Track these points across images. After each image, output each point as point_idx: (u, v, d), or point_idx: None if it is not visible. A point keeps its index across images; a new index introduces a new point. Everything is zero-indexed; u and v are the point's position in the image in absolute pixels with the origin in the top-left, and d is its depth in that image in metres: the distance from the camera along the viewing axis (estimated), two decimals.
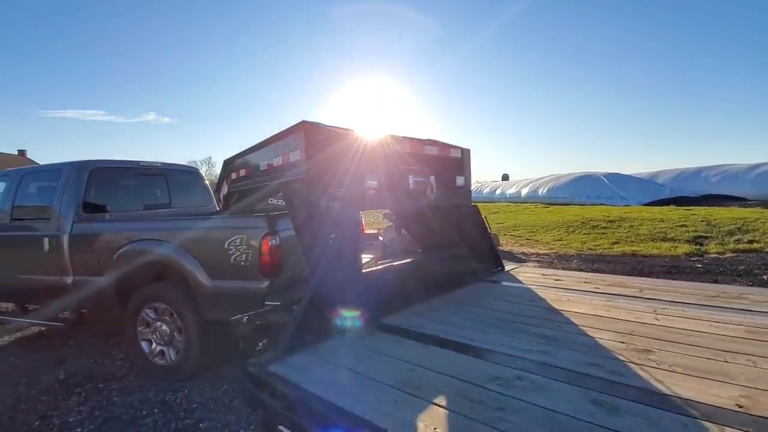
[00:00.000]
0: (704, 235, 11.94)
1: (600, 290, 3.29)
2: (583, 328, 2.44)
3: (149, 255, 4.45)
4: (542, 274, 3.88)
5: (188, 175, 7.08)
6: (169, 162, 6.70)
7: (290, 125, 3.00)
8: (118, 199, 5.81)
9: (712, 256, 9.97)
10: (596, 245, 12.33)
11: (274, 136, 3.38)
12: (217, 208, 6.61)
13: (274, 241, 4.02)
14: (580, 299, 3.06)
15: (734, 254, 9.85)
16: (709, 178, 25.59)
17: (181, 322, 4.41)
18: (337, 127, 2.74)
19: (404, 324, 2.61)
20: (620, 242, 12.50)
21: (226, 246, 4.09)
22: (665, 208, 18.61)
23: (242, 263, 4.02)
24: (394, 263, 3.28)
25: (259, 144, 3.78)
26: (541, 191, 28.62)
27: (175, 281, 4.50)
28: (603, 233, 13.98)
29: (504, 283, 3.62)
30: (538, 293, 3.25)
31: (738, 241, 10.91)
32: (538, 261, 10.21)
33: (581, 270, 8.85)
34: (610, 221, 15.55)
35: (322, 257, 2.58)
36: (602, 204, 21.45)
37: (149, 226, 4.70)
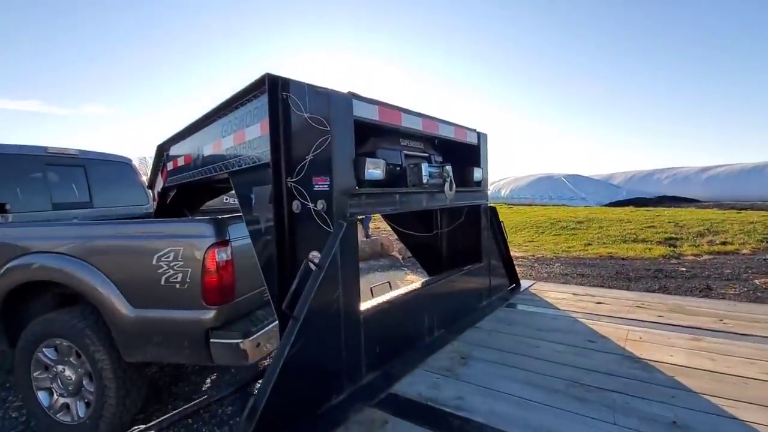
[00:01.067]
0: (675, 236, 11.90)
1: (665, 320, 2.48)
2: (707, 397, 1.58)
3: (42, 272, 3.21)
4: (573, 294, 3.05)
5: (116, 166, 5.74)
6: (90, 150, 5.35)
7: (246, 84, 1.96)
8: (13, 196, 4.43)
9: (689, 258, 9.78)
10: (570, 247, 12.00)
11: (224, 103, 2.32)
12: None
13: (223, 255, 2.92)
14: (652, 336, 2.24)
15: (712, 256, 9.71)
16: (661, 180, 26.53)
17: (91, 365, 3.20)
18: (319, 87, 1.74)
19: (431, 396, 1.66)
20: (593, 243, 12.26)
21: (154, 261, 2.95)
22: (626, 209, 18.90)
23: (177, 285, 2.91)
24: (400, 291, 2.33)
25: (201, 119, 2.68)
26: (504, 192, 28.67)
27: (83, 309, 3.28)
28: (573, 234, 13.77)
29: (532, 309, 2.75)
30: (590, 326, 2.39)
31: (710, 242, 10.87)
32: (517, 265, 9.60)
33: (567, 275, 8.30)
34: (578, 222, 15.45)
35: (297, 287, 1.58)
36: (564, 205, 21.58)
37: (44, 232, 3.44)
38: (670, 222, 13.59)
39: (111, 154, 5.68)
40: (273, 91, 1.83)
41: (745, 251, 10.16)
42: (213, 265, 2.86)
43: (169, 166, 3.85)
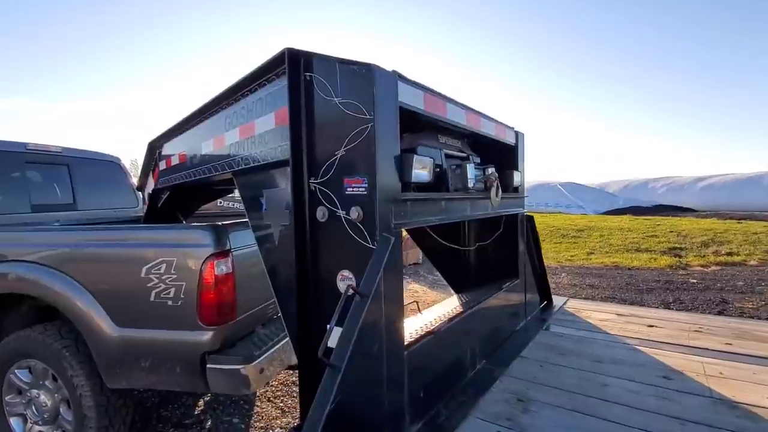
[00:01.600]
0: (678, 246, 11.71)
1: (737, 348, 2.16)
2: None
3: (12, 284, 2.81)
4: (617, 314, 2.72)
5: (103, 166, 5.32)
6: (75, 147, 4.93)
7: (260, 62, 1.60)
8: None
9: (697, 269, 9.56)
10: (572, 256, 11.76)
11: (227, 91, 1.96)
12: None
13: (223, 267, 2.56)
14: (734, 371, 1.93)
15: (719, 267, 9.49)
16: (657, 189, 26.58)
17: (69, 391, 2.80)
18: (355, 62, 1.38)
19: None
20: (595, 252, 12.04)
21: (143, 274, 2.58)
22: (624, 217, 18.79)
23: (169, 302, 2.54)
24: (437, 315, 1.98)
25: (200, 110, 2.31)
26: None
27: (61, 327, 2.88)
28: (574, 243, 13.56)
29: (579, 333, 2.40)
30: (655, 357, 2.05)
31: (716, 252, 10.68)
32: None
33: (576, 286, 8.01)
34: (578, 230, 15.29)
35: (321, 319, 1.22)
36: (561, 212, 21.47)
37: (15, 237, 3.03)
38: (671, 231, 13.44)
39: (98, 153, 5.26)
40: (294, 70, 1.48)
41: (752, 263, 9.97)
42: (211, 278, 2.49)
43: (162, 165, 3.47)
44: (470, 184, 1.83)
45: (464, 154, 2.16)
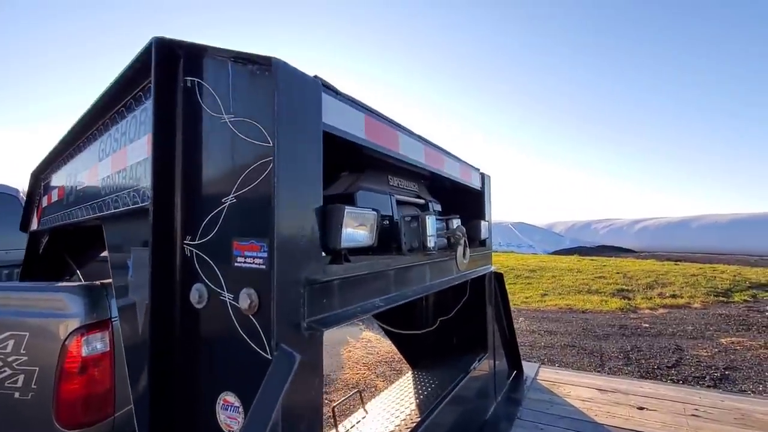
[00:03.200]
0: (626, 288, 11.98)
1: None
2: None
3: None
4: (598, 390, 2.28)
5: None
6: None
7: (129, 62, 1.06)
8: None
9: (646, 312, 9.68)
10: (527, 297, 11.68)
11: (98, 102, 1.38)
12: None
13: (97, 345, 1.89)
14: None
15: (666, 310, 9.66)
16: (598, 230, 27.94)
17: None
18: (254, 60, 0.86)
19: None
20: (549, 294, 12.05)
21: None
22: (572, 257, 19.32)
23: (17, 394, 1.83)
24: (388, 422, 1.43)
25: (72, 131, 1.71)
26: None
27: None
28: (528, 283, 13.59)
29: (560, 427, 1.90)
30: None
31: (661, 295, 10.96)
32: None
33: (534, 332, 7.73)
34: (530, 270, 15.44)
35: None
36: (512, 251, 21.87)
37: None
38: (617, 272, 13.80)
39: None
40: (166, 73, 0.95)
41: (696, 305, 10.24)
42: (77, 361, 1.80)
43: (44, 201, 2.77)
44: (431, 243, 1.33)
45: (422, 201, 1.69)
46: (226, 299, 0.87)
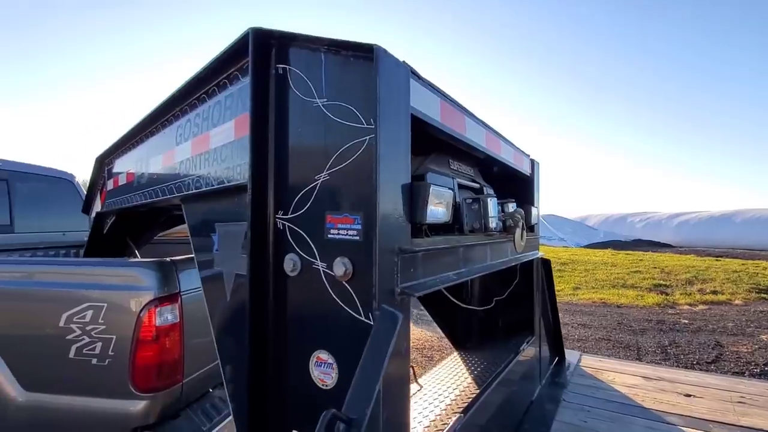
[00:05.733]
0: (663, 283, 11.61)
1: None
2: None
3: None
4: (644, 378, 2.29)
5: (52, 183, 4.73)
6: (17, 161, 4.36)
7: (220, 51, 1.15)
8: None
9: (685, 308, 9.38)
10: (559, 290, 11.50)
11: (179, 93, 1.49)
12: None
13: (168, 316, 2.04)
14: None
15: (706, 306, 9.34)
16: (635, 223, 27.04)
17: None
18: (348, 46, 0.93)
19: None
20: (581, 288, 11.82)
21: (62, 323, 2.04)
22: (606, 251, 18.83)
23: (94, 360, 2.00)
24: (459, 407, 1.51)
25: (150, 118, 1.84)
26: None
27: None
28: (559, 276, 13.35)
29: (610, 411, 1.93)
30: None
31: (701, 291, 10.58)
32: None
33: (567, 325, 7.64)
34: (562, 264, 15.16)
35: (285, 420, 0.74)
36: (543, 244, 21.48)
37: None
38: (654, 267, 13.39)
39: (46, 168, 4.67)
40: (262, 62, 1.04)
41: (737, 302, 9.87)
42: (151, 331, 1.96)
43: (110, 184, 2.95)
44: (492, 224, 1.39)
45: (477, 185, 1.74)
46: (320, 267, 0.96)
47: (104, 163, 3.03)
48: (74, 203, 4.80)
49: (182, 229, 5.48)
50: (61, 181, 4.91)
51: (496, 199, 1.46)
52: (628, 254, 17.30)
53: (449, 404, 1.49)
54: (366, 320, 0.87)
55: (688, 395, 2.18)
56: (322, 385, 0.94)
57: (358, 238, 0.90)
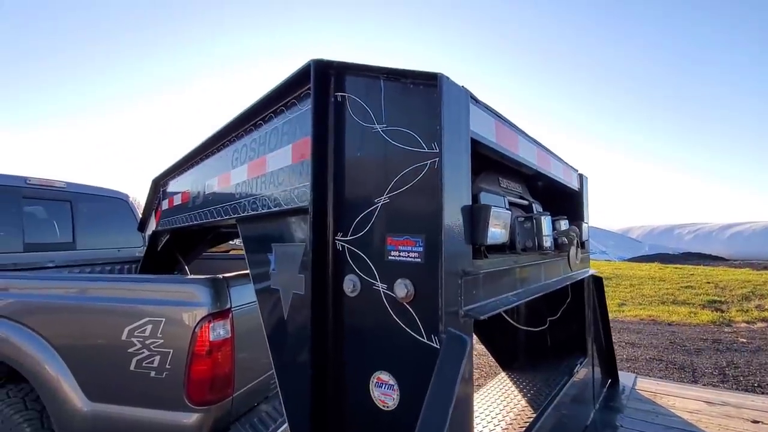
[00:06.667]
0: (718, 299, 10.90)
1: None
2: None
3: None
4: (706, 403, 2.14)
5: (109, 203, 5.03)
6: (80, 183, 4.66)
7: (281, 80, 1.21)
8: None
9: (742, 326, 8.77)
10: None
11: (237, 119, 1.57)
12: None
13: (220, 331, 2.11)
14: None
15: (766, 324, 8.69)
16: (683, 235, 25.74)
17: None
18: (407, 75, 0.96)
19: None
20: (627, 304, 11.28)
21: (124, 336, 2.14)
22: (652, 265, 17.94)
23: (152, 373, 2.08)
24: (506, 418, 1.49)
25: (206, 143, 1.94)
26: None
27: (28, 393, 2.44)
28: None
29: None
30: None
31: (759, 308, 9.87)
32: None
33: (615, 344, 7.30)
34: (605, 278, 14.51)
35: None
36: None
37: None
38: (707, 282, 12.60)
39: (104, 189, 4.98)
40: (322, 90, 1.09)
41: None
42: (205, 345, 2.03)
43: (164, 204, 3.11)
44: (547, 243, 1.37)
45: (526, 202, 1.72)
46: (380, 288, 0.98)
47: (159, 184, 3.21)
48: (128, 221, 5.08)
49: (227, 246, 5.68)
50: (116, 200, 5.21)
51: (549, 216, 1.45)
52: (677, 268, 16.41)
53: (505, 428, 1.46)
54: (429, 342, 0.88)
55: (756, 422, 2.03)
56: (383, 406, 0.95)
57: (419, 260, 0.91)
